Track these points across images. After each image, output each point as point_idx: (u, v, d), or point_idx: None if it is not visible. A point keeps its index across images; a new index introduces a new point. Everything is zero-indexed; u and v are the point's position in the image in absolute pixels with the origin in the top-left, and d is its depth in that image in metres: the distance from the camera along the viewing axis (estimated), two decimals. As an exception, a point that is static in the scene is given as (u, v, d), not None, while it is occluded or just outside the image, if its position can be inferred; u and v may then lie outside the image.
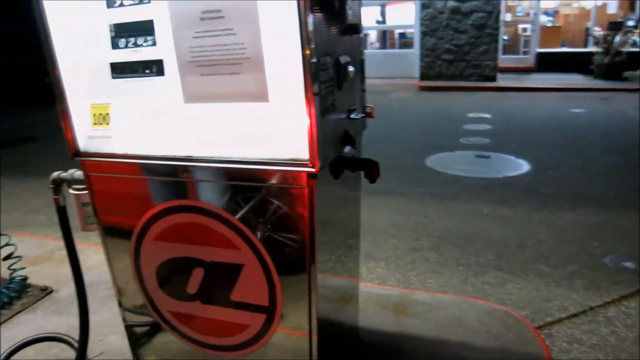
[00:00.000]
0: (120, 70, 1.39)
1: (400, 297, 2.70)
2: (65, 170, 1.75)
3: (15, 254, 2.69)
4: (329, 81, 1.30)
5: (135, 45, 1.34)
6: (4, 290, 2.72)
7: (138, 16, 1.30)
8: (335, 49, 1.34)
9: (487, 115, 8.20)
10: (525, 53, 13.76)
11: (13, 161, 6.37)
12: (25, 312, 2.66)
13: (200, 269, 1.53)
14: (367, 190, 1.98)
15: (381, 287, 2.87)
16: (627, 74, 11.25)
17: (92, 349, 2.21)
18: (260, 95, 1.24)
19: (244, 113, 1.29)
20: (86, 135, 1.51)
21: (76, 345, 2.08)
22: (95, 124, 1.48)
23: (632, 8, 12.62)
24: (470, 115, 8.29)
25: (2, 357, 2.13)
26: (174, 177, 1.44)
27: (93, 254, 3.14)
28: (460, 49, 11.90)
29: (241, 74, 1.24)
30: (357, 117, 1.54)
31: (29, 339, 2.22)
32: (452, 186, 4.79)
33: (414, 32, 13.01)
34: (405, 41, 14.29)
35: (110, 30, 1.35)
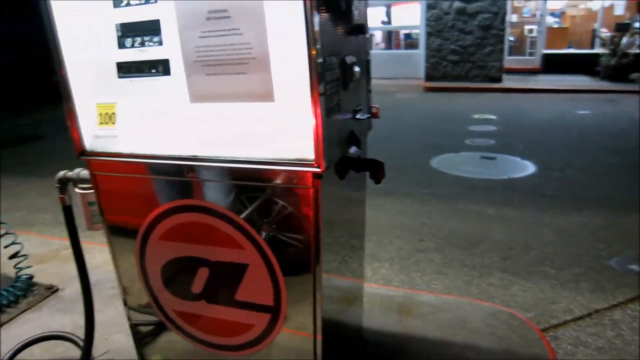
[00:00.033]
0: (126, 69, 1.39)
1: (404, 298, 2.70)
2: (71, 169, 1.76)
3: (21, 253, 2.70)
4: (335, 81, 1.30)
5: (142, 44, 1.34)
6: (10, 289, 2.73)
7: (144, 16, 1.30)
8: (341, 49, 1.34)
9: (493, 117, 8.17)
10: (531, 54, 13.71)
11: (19, 160, 6.41)
12: (31, 310, 2.68)
13: (205, 268, 1.54)
14: (372, 190, 1.97)
15: (385, 288, 2.87)
16: (633, 75, 11.15)
17: (97, 348, 2.22)
18: (266, 95, 1.24)
19: (249, 113, 1.29)
20: (92, 134, 1.51)
21: (81, 343, 2.09)
22: (101, 123, 1.48)
23: (639, 9, 12.53)
24: (476, 116, 8.26)
25: (8, 355, 2.14)
26: (180, 177, 1.44)
27: (98, 253, 3.15)
28: (466, 50, 11.87)
29: (247, 73, 1.24)
30: (362, 117, 1.54)
31: (34, 337, 2.23)
32: (457, 187, 4.78)
33: (420, 32, 13.02)
34: (410, 42, 14.30)
35: (117, 30, 1.35)
